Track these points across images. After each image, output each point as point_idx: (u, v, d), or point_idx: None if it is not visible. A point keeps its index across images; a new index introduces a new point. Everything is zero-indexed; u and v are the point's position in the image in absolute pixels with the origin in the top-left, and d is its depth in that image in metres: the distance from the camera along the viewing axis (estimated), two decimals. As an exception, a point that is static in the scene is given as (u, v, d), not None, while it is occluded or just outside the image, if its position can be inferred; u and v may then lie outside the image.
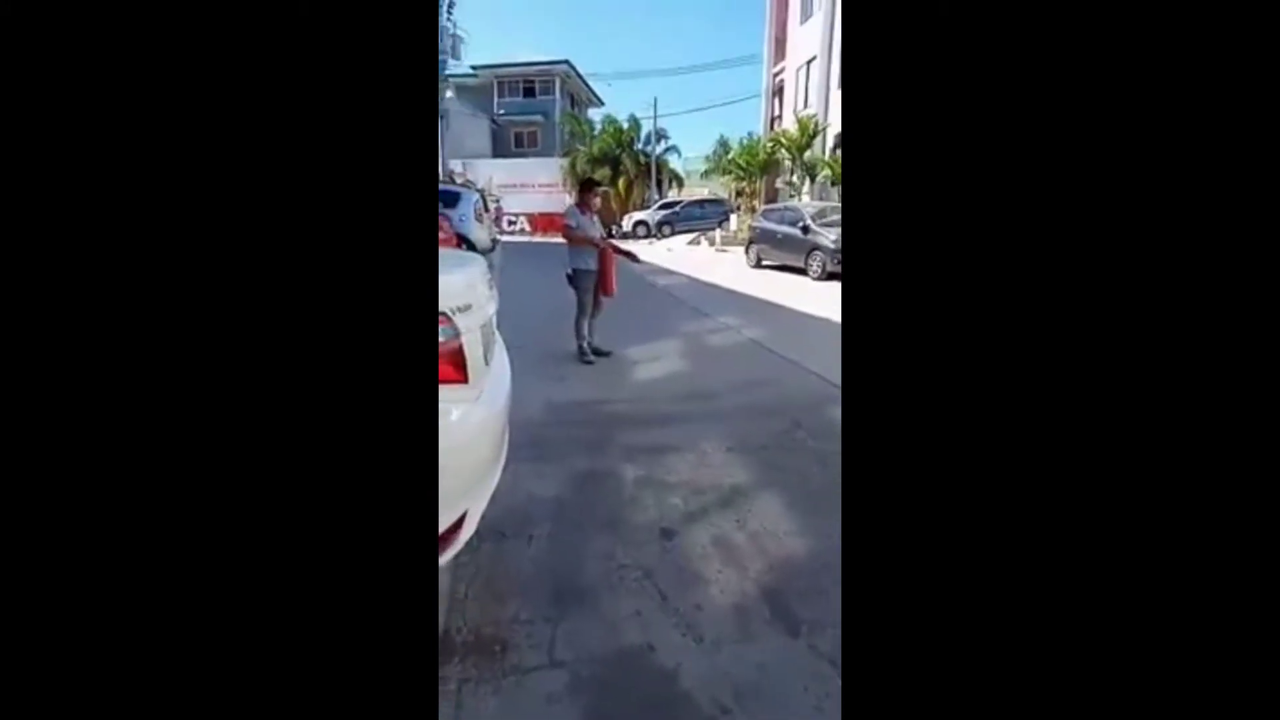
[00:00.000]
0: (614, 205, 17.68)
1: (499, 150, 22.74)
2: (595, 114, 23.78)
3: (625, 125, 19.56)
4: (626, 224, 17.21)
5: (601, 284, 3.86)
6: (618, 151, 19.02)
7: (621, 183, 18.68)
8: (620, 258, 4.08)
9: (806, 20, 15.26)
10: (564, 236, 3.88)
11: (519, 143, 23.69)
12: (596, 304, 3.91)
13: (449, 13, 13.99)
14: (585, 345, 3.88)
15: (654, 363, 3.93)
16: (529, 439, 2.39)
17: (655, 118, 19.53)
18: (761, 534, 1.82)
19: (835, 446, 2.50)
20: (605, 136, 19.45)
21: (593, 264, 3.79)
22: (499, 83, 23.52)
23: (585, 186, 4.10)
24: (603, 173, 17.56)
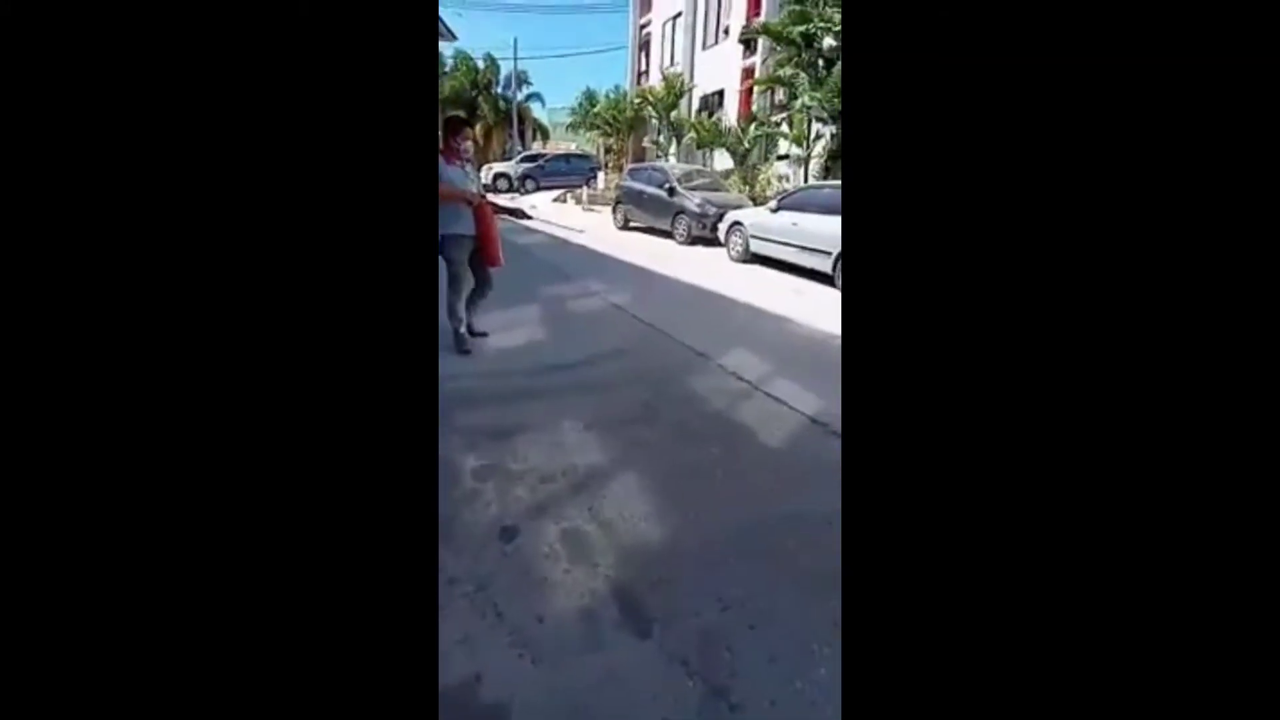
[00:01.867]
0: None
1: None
2: (445, 49, 21.39)
3: (482, 65, 17.88)
4: (486, 176, 15.96)
5: (483, 252, 3.00)
6: (473, 94, 17.41)
7: (479, 129, 17.20)
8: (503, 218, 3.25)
9: (672, -28, 14.95)
10: None
11: (355, 72, 20.51)
12: (481, 278, 3.15)
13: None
14: (463, 330, 3.09)
15: (511, 331, 3.60)
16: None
17: (516, 59, 18.13)
18: (615, 522, 1.69)
19: (695, 417, 2.47)
20: (459, 75, 17.61)
21: (468, 228, 2.92)
22: (326, -3, 19.94)
23: (451, 126, 3.01)
24: (457, 115, 15.99)
